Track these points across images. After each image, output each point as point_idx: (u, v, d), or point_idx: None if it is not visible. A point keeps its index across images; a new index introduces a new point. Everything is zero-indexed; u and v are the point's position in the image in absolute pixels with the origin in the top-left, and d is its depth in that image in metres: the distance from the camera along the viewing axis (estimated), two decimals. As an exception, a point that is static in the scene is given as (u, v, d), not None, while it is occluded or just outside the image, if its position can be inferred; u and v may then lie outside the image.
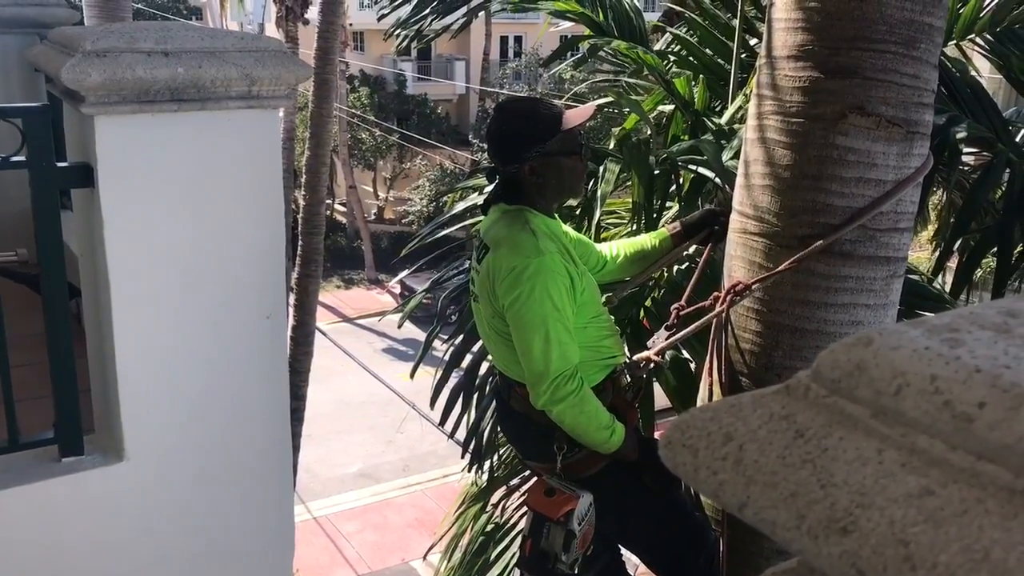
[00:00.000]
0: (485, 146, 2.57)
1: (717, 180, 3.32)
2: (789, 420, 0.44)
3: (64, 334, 2.07)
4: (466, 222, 3.71)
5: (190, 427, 2.21)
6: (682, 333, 2.66)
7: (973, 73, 4.21)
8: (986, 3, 3.50)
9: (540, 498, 2.43)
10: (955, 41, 3.63)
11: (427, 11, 4.23)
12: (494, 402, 2.78)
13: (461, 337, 3.48)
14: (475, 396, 3.53)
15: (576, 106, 2.83)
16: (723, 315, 2.57)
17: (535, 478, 2.56)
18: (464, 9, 4.42)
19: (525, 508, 2.53)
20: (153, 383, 2.15)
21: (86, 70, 1.88)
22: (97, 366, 2.26)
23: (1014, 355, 0.40)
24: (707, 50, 4.03)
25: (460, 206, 3.74)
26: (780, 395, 0.46)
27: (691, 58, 4.07)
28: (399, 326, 4.30)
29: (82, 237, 2.20)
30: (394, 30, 4.56)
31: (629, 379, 2.61)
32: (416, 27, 4.29)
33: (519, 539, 2.56)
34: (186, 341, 2.17)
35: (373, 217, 28.04)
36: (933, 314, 0.47)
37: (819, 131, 2.35)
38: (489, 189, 2.64)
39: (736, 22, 3.85)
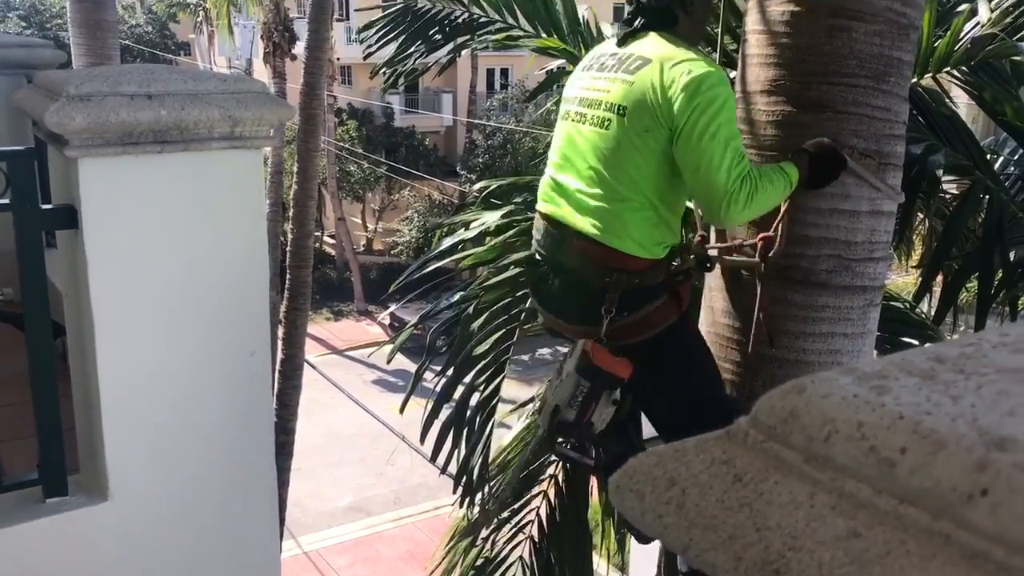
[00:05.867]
0: None
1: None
2: (729, 465, 0.46)
3: (48, 375, 2.07)
4: (454, 256, 3.74)
5: (175, 466, 2.21)
6: (736, 241, 2.57)
7: (952, 103, 4.29)
8: (961, 37, 3.57)
9: (607, 357, 2.33)
10: (931, 73, 3.69)
11: (412, 50, 4.29)
12: (539, 273, 2.53)
13: (452, 370, 3.49)
14: (465, 431, 3.53)
15: None
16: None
17: (582, 341, 2.39)
18: (449, 46, 4.48)
19: (582, 366, 2.31)
20: (137, 422, 2.16)
21: (70, 114, 1.90)
22: (81, 405, 2.27)
23: (935, 401, 0.43)
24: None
25: (448, 241, 3.77)
26: (721, 440, 0.48)
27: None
28: (388, 361, 4.31)
29: (67, 276, 2.21)
30: (380, 68, 4.61)
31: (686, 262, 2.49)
32: (401, 66, 4.34)
33: (551, 415, 2.36)
34: (170, 380, 2.18)
35: (362, 249, 28.08)
36: (861, 363, 0.49)
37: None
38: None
39: (716, 55, 3.91)
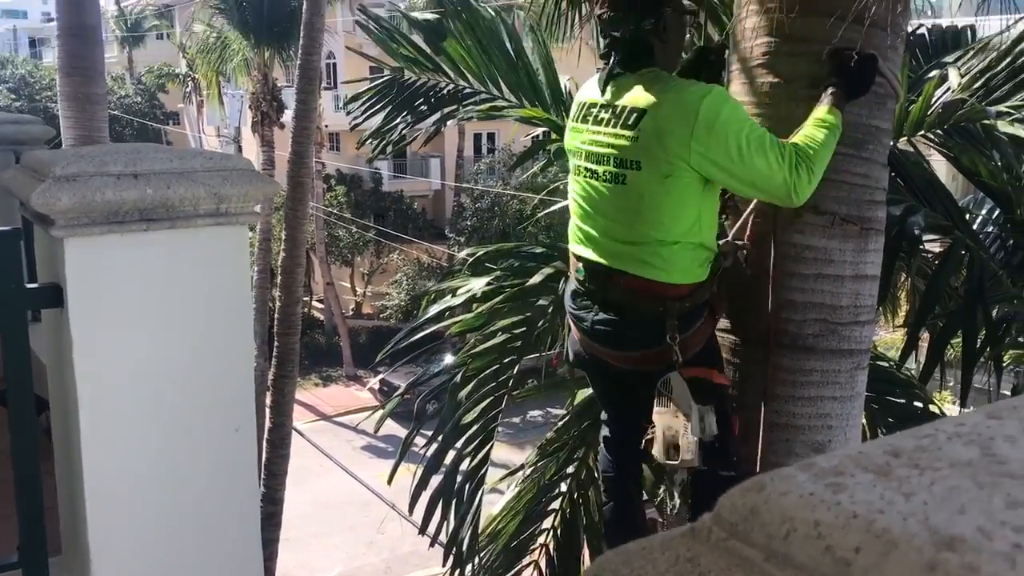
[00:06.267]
0: (604, 11, 2.37)
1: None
2: (693, 563, 0.47)
3: (31, 455, 2.06)
4: (442, 324, 3.75)
5: (159, 546, 2.18)
6: (747, 213, 2.58)
7: (926, 163, 4.37)
8: (933, 102, 3.65)
9: (703, 369, 2.38)
10: (906, 137, 3.77)
11: (398, 121, 4.36)
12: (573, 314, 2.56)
13: (440, 439, 3.48)
14: (454, 501, 3.50)
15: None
16: None
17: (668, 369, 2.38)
18: (436, 116, 4.55)
19: (693, 394, 2.33)
20: (121, 501, 2.13)
21: (56, 195, 1.92)
22: (64, 483, 2.24)
23: (888, 499, 0.44)
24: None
25: (435, 308, 3.78)
26: (687, 538, 0.49)
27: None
28: (375, 430, 4.28)
29: (51, 352, 2.21)
30: (367, 139, 4.68)
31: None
32: (388, 136, 4.41)
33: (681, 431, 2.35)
34: (155, 458, 2.16)
35: (351, 313, 28.05)
36: (821, 457, 0.51)
37: (777, 230, 2.43)
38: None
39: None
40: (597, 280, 2.45)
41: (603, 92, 2.40)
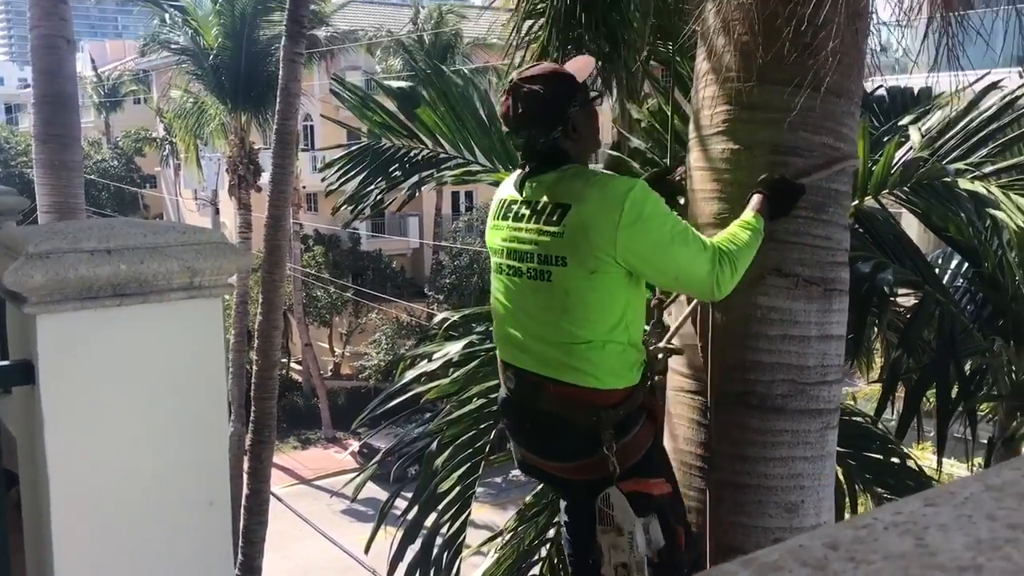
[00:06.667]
0: (512, 127, 2.38)
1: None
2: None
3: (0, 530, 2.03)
4: (418, 389, 3.75)
5: (130, 624, 2.14)
6: (682, 319, 2.62)
7: (900, 218, 4.47)
8: (895, 162, 3.74)
9: (643, 483, 2.32)
10: (870, 196, 3.86)
11: (372, 187, 4.41)
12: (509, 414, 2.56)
13: (416, 508, 3.45)
14: (432, 571, 3.46)
15: None
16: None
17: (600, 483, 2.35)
18: (411, 180, 4.61)
19: (632, 509, 2.28)
20: (92, 579, 2.10)
21: (29, 272, 1.93)
22: (34, 560, 2.21)
23: (823, 597, 0.46)
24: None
25: (410, 374, 3.78)
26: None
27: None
28: (352, 499, 4.25)
29: (21, 427, 2.19)
30: (342, 205, 4.72)
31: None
32: (363, 201, 4.46)
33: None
34: (127, 533, 2.14)
35: (330, 374, 27.86)
36: (762, 552, 0.52)
37: (742, 292, 2.46)
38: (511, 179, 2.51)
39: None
40: (528, 389, 2.41)
41: (521, 191, 2.39)
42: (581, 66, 2.48)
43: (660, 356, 2.57)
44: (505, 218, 2.41)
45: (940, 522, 0.54)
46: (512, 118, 2.38)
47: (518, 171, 2.46)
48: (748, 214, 2.38)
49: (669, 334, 2.63)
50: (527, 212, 2.34)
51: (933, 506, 0.56)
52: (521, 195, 2.38)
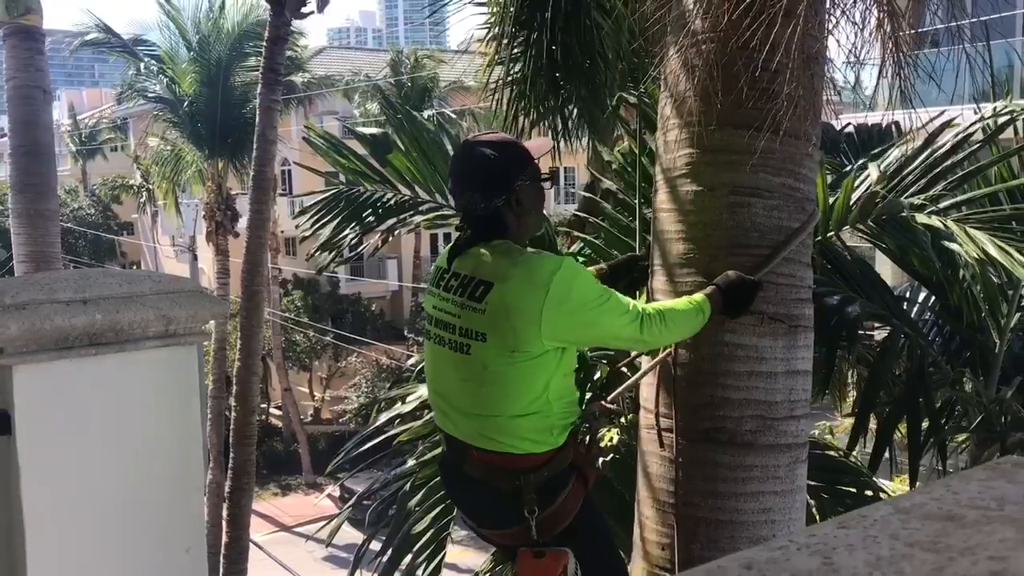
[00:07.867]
0: (456, 187, 2.42)
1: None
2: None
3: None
4: (392, 432, 3.77)
5: (106, 674, 2.14)
6: (633, 379, 2.68)
7: (872, 253, 4.56)
8: (855, 198, 3.84)
9: (531, 563, 2.26)
10: (832, 232, 3.94)
11: (347, 232, 4.47)
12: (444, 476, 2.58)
13: (390, 551, 3.46)
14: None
15: None
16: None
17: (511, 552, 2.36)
18: (387, 223, 4.67)
19: None
20: (68, 629, 2.10)
21: (5, 323, 1.96)
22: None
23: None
24: (613, 251, 4.29)
25: (384, 416, 3.81)
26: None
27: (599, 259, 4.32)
28: (327, 544, 4.24)
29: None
30: (316, 251, 4.77)
31: (587, 428, 2.49)
32: (337, 247, 4.51)
33: None
34: (103, 582, 2.15)
35: (310, 418, 27.64)
36: (684, 573, 0.57)
37: (709, 330, 2.52)
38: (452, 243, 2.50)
39: (636, 223, 4.14)
40: (455, 454, 2.42)
41: (450, 262, 2.37)
42: (539, 145, 2.54)
43: (598, 414, 2.57)
44: (437, 286, 2.40)
45: (848, 543, 0.58)
46: (458, 176, 2.42)
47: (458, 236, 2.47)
48: (697, 295, 2.44)
49: (620, 388, 2.71)
50: (455, 284, 2.33)
51: (845, 528, 0.61)
52: (450, 267, 2.37)
